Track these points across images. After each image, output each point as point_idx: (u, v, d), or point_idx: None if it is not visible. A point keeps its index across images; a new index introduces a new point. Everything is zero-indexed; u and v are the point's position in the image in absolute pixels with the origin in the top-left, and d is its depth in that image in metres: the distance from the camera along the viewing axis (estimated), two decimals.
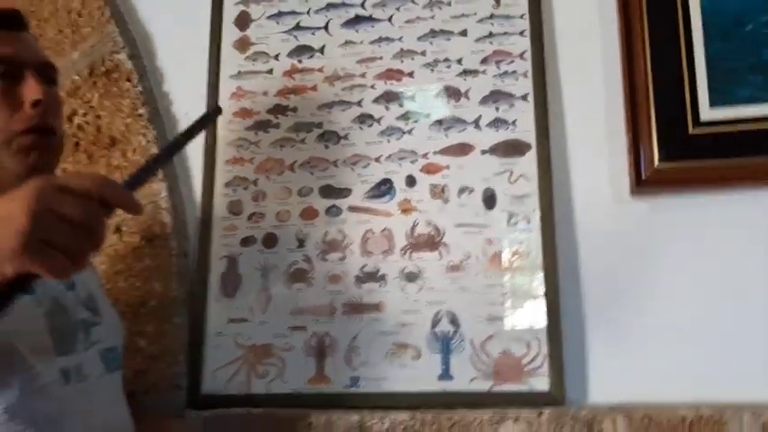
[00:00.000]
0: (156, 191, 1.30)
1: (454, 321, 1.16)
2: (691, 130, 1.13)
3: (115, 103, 1.35)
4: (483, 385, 1.12)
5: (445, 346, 1.15)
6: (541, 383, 1.10)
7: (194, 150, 1.34)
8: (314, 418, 1.14)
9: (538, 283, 1.14)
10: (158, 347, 1.23)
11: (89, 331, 0.94)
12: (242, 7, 1.36)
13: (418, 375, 1.15)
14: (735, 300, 1.07)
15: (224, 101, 1.33)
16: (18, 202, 0.60)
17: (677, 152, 1.12)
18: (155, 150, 1.32)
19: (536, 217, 1.16)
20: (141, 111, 1.34)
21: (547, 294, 1.13)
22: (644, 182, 1.13)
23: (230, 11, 1.37)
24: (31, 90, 0.91)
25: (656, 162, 1.13)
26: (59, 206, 0.60)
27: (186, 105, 1.37)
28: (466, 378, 1.13)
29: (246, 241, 1.28)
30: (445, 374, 1.14)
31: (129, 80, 1.36)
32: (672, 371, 1.07)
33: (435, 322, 1.16)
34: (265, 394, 1.20)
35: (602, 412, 1.04)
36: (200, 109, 1.34)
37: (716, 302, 1.08)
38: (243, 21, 1.36)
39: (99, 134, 1.34)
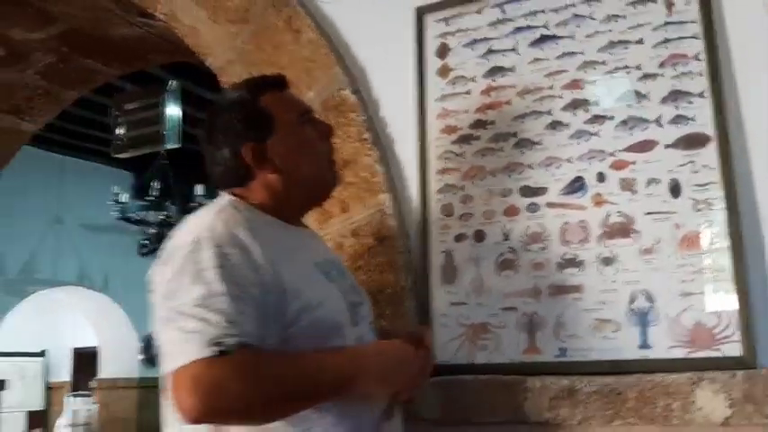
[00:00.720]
0: (382, 201, 1.59)
1: (650, 298, 1.32)
2: None
3: (344, 131, 1.65)
4: (679, 352, 1.28)
5: (643, 319, 1.32)
6: (734, 350, 1.24)
7: (409, 166, 1.61)
8: (530, 382, 1.36)
9: (726, 260, 1.27)
10: (396, 327, 1.51)
11: (359, 309, 1.24)
12: (441, 40, 1.61)
13: (620, 345, 1.33)
14: None
15: (431, 121, 1.59)
16: (416, 365, 1.18)
17: None
18: (379, 167, 1.60)
19: (720, 201, 1.29)
20: (366, 135, 1.63)
21: (735, 270, 1.25)
22: None
23: (431, 44, 1.62)
24: (326, 126, 1.30)
25: None
26: (428, 368, 1.23)
27: (400, 127, 1.64)
28: (663, 347, 1.29)
29: (459, 237, 1.52)
30: (644, 344, 1.31)
31: (353, 111, 1.66)
32: None
33: (632, 299, 1.33)
34: (486, 364, 1.44)
35: None
36: (411, 129, 1.61)
37: None
38: (442, 51, 1.61)
39: None
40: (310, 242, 1.32)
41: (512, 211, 1.48)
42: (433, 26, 1.63)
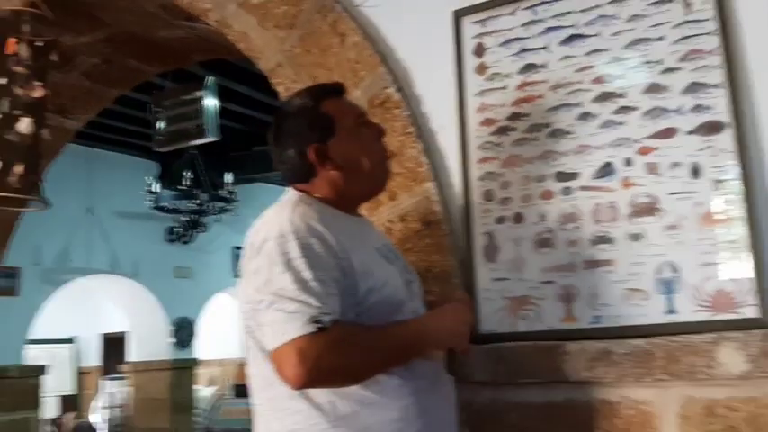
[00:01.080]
0: (427, 189, 1.76)
1: (674, 269, 1.49)
2: None
3: (390, 126, 1.81)
4: (702, 316, 1.45)
5: (669, 288, 1.49)
6: (751, 312, 1.40)
7: (451, 156, 1.77)
8: (568, 346, 1.53)
9: (743, 233, 1.43)
10: (444, 302, 1.68)
11: (412, 286, 1.42)
12: (478, 40, 1.77)
13: (648, 311, 1.50)
14: None
15: (470, 115, 1.75)
16: (467, 324, 1.43)
17: None
18: (424, 159, 1.77)
19: (736, 181, 1.45)
20: (410, 129, 1.80)
21: (751, 242, 1.42)
22: None
23: (468, 44, 1.78)
24: (378, 128, 1.49)
25: None
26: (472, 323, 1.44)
27: (442, 121, 1.80)
28: (688, 311, 1.46)
29: (500, 220, 1.69)
30: (670, 310, 1.48)
31: (398, 107, 1.82)
32: None
33: (659, 270, 1.50)
34: (528, 331, 1.61)
35: None
36: (452, 122, 1.77)
37: None
38: (479, 50, 1.77)
39: None
40: (368, 229, 1.51)
41: (548, 195, 1.64)
42: (470, 27, 1.78)
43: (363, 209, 1.79)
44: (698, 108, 1.51)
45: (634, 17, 1.59)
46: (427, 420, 1.30)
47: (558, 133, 1.65)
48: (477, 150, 1.74)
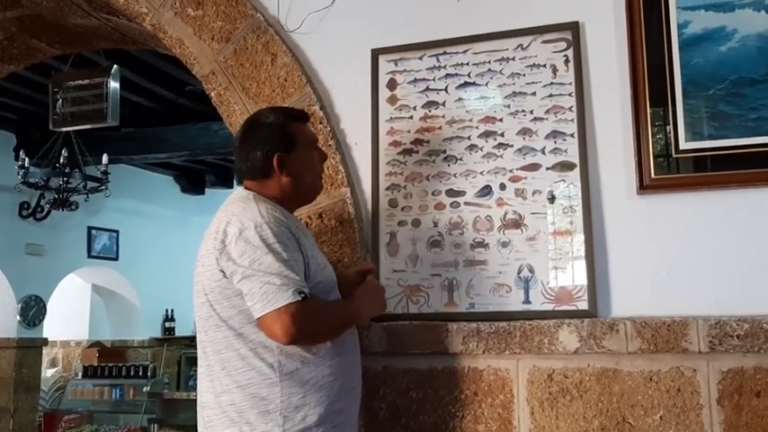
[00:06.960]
0: (344, 193, 2.12)
1: (531, 270, 1.96)
2: (674, 155, 1.91)
3: None
4: (549, 306, 1.93)
5: (526, 284, 1.96)
6: (583, 305, 1.90)
7: (364, 168, 2.15)
8: (449, 325, 1.96)
9: (581, 247, 1.93)
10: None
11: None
12: (391, 76, 2.16)
13: (510, 301, 1.96)
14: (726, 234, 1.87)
15: (382, 136, 2.14)
16: (381, 296, 1.90)
17: (665, 169, 1.90)
18: (341, 168, 2.13)
19: (580, 207, 1.95)
20: (330, 142, 2.15)
21: (587, 253, 1.92)
22: (645, 186, 1.91)
23: (383, 78, 2.17)
24: (323, 153, 1.86)
25: (652, 175, 1.90)
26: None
27: (356, 138, 2.18)
28: (539, 302, 1.94)
29: (401, 223, 2.09)
30: (526, 300, 1.95)
31: (321, 123, 2.17)
32: (660, 301, 1.87)
33: (520, 270, 1.97)
34: (418, 313, 2.03)
35: (618, 320, 1.85)
36: (366, 140, 2.15)
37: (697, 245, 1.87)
38: (392, 85, 2.16)
39: None
40: (302, 225, 1.86)
41: (440, 207, 2.07)
42: (385, 65, 2.17)
43: None
44: (556, 150, 2.00)
45: (515, 74, 2.06)
46: (349, 376, 1.68)
47: (451, 159, 2.08)
48: (386, 165, 2.13)
